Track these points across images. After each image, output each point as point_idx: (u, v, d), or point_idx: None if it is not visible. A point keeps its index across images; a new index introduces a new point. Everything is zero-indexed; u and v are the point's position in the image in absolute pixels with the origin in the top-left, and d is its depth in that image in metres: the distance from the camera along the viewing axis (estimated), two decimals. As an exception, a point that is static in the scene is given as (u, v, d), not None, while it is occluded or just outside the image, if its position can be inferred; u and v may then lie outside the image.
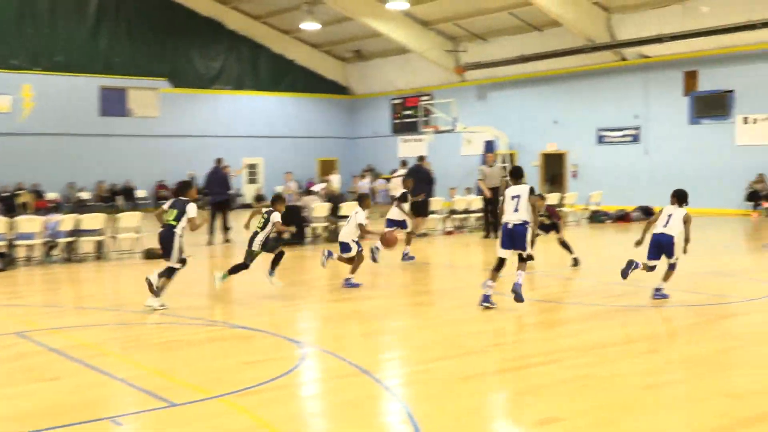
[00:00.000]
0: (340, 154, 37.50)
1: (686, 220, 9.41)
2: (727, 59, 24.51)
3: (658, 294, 9.55)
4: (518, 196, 9.29)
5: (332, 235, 17.88)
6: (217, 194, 17.78)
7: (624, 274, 9.56)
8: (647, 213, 23.18)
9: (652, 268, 9.53)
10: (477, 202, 20.30)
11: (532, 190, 9.33)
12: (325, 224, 18.12)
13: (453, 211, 20.18)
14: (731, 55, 24.38)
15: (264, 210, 10.19)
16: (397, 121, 35.50)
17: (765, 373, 6.23)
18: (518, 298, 9.06)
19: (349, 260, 10.86)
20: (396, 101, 35.39)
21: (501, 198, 9.44)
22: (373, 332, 8.21)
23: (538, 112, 29.42)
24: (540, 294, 10.25)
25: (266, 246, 10.08)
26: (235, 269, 10.06)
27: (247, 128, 34.75)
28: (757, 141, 23.95)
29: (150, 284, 9.11)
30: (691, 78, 25.37)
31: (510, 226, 9.21)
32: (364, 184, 26.58)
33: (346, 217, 17.83)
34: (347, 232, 10.96)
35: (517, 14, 27.73)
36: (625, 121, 26.89)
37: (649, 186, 25.89)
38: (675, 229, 9.40)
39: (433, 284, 11.43)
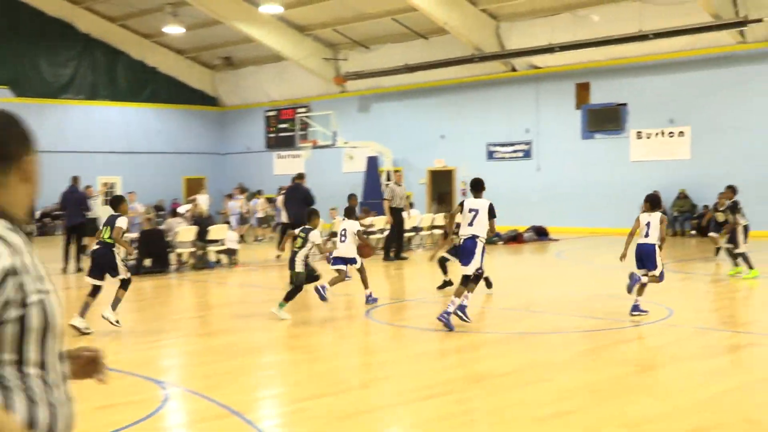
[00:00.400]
0: (209, 171, 36.93)
1: (661, 221, 10.26)
2: (619, 71, 25.66)
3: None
4: (476, 211, 9.93)
5: (199, 262, 17.54)
6: (72, 217, 17.44)
7: (629, 289, 10.23)
8: (540, 233, 23.75)
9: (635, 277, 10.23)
10: (379, 222, 20.45)
11: (491, 207, 9.94)
12: (192, 249, 17.72)
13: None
14: (623, 67, 25.57)
15: (299, 230, 10.73)
16: (272, 135, 35.37)
17: (661, 401, 6.38)
18: (447, 324, 9.51)
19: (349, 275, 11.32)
20: (270, 113, 35.30)
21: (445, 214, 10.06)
22: (246, 368, 8.14)
23: (425, 126, 29.95)
24: (429, 321, 10.37)
25: (308, 266, 10.60)
26: (290, 296, 10.57)
27: (101, 143, 33.66)
28: (651, 156, 25.08)
29: (110, 322, 9.96)
30: (583, 90, 26.37)
31: (461, 241, 9.81)
32: (234, 205, 26.22)
33: (215, 241, 17.56)
34: (348, 248, 11.31)
35: (401, 20, 28.11)
36: (516, 135, 27.67)
37: (541, 204, 26.66)
38: (654, 237, 10.22)
39: (313, 315, 11.39)
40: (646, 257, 10.26)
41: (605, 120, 25.74)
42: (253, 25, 29.79)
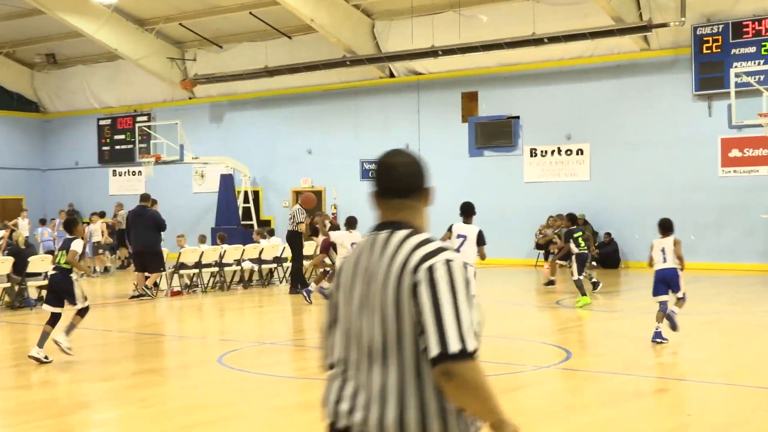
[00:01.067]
0: (29, 190, 35.50)
1: (675, 243, 11.62)
2: (511, 79, 26.22)
3: (659, 337, 11.39)
4: (464, 237, 11.09)
5: (16, 299, 16.81)
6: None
7: (673, 327, 11.53)
8: None
9: (664, 304, 11.57)
10: (270, 250, 20.80)
11: (480, 234, 11.09)
12: (6, 285, 16.94)
13: (182, 265, 19.74)
14: (516, 75, 26.16)
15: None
16: (107, 148, 34.50)
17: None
18: None
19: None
20: (104, 122, 34.47)
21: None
22: (71, 428, 7.87)
23: (288, 139, 29.90)
24: (293, 368, 10.17)
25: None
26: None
27: None
28: (547, 177, 25.72)
29: (61, 350, 10.72)
30: (470, 101, 26.84)
31: None
32: (46, 231, 25.32)
33: (36, 274, 16.89)
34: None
35: (260, 15, 27.95)
36: None
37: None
38: (673, 261, 11.51)
39: (159, 361, 11.25)
40: (671, 281, 11.56)
41: (495, 135, 26.20)
42: (82, 17, 28.99)
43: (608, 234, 24.37)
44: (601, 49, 24.80)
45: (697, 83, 23.57)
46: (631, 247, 24.29)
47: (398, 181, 2.79)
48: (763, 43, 22.79)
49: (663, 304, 11.60)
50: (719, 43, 23.29)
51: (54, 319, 10.78)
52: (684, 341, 11.81)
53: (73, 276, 10.93)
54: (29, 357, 10.64)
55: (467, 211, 11.40)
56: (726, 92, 21.95)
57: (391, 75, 28.17)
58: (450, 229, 11.33)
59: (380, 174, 2.82)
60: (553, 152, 25.76)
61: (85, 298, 10.97)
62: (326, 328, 2.83)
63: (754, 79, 21.65)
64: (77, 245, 10.87)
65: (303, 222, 18.60)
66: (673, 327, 11.55)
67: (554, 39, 23.97)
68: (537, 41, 24.12)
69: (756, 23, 22.91)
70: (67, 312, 10.95)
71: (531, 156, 26.04)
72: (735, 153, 23.34)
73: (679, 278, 11.60)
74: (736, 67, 22.39)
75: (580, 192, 25.15)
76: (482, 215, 27.79)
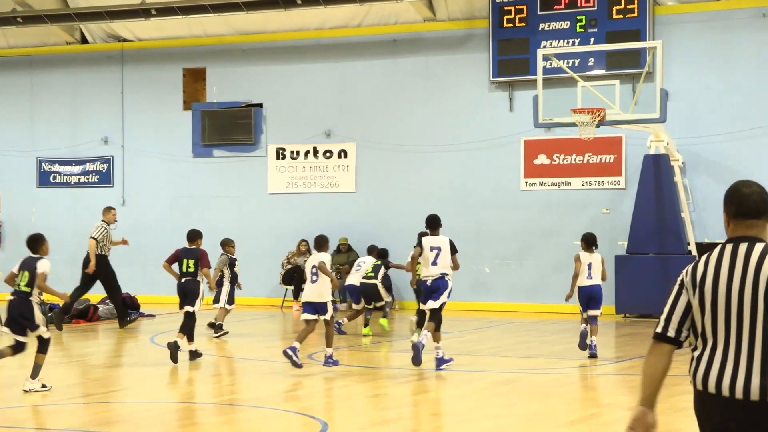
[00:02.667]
0: None
1: (602, 262, 15.07)
2: (252, 53, 25.75)
3: (594, 350, 14.93)
4: (438, 248, 14.00)
5: None
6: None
7: (584, 347, 14.99)
8: (126, 305, 21.94)
9: (594, 319, 15.01)
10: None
11: (452, 243, 14.14)
12: None
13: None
14: (258, 47, 25.66)
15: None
16: None
17: None
18: (416, 359, 13.64)
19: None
20: None
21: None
22: None
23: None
24: None
25: None
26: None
27: None
28: (300, 187, 25.43)
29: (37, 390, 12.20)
30: (196, 81, 26.40)
31: (429, 282, 13.95)
32: None
33: None
34: (321, 290, 14.10)
35: None
36: (88, 148, 27.33)
37: (131, 258, 25.49)
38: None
39: None
40: (595, 298, 14.79)
41: (230, 128, 25.90)
42: None
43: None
44: (373, 17, 24.81)
45: (495, 67, 23.47)
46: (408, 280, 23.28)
47: (753, 206, 4.57)
48: (578, 17, 22.83)
49: (593, 319, 14.91)
50: (524, 15, 23.24)
51: (18, 347, 12.10)
52: (474, 408, 11.92)
53: (33, 300, 12.11)
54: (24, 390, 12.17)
55: (434, 224, 14.33)
56: (532, 80, 21.59)
57: (84, 41, 27.48)
58: (420, 244, 14.26)
59: (739, 200, 4.64)
60: (307, 154, 25.44)
61: (48, 326, 12.41)
62: (680, 311, 4.48)
63: (567, 63, 21.60)
64: (44, 266, 12.09)
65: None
66: (583, 347, 15.08)
67: (310, 0, 23.50)
68: (287, 2, 23.71)
69: (570, -10, 23.19)
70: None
71: (278, 158, 25.75)
72: (542, 159, 23.38)
73: (601, 295, 14.95)
74: (544, 47, 22.24)
75: (342, 208, 25.01)
76: (208, 239, 25.90)
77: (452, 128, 23.90)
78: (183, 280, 15.04)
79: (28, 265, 11.99)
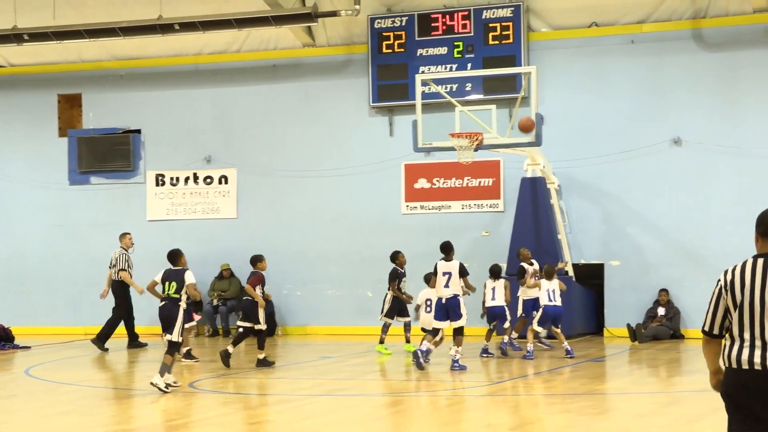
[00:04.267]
0: None
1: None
2: (129, 79, 25.40)
3: (456, 365, 16.08)
4: (449, 273, 16.08)
5: None
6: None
7: (419, 365, 16.08)
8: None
9: (436, 331, 16.68)
10: None
11: (461, 267, 16.20)
12: None
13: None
14: (135, 72, 25.36)
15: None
16: None
17: None
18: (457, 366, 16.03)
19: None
20: None
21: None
22: None
23: None
24: None
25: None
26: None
27: None
28: (180, 214, 25.25)
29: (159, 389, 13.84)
30: (71, 107, 26.01)
31: (444, 301, 16.13)
32: None
33: None
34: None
35: None
36: None
37: (2, 289, 25.20)
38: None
39: None
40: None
41: (108, 155, 25.59)
42: None
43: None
44: (252, 42, 24.83)
45: (375, 92, 23.66)
46: (293, 307, 24.08)
47: None
48: (455, 43, 23.10)
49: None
50: (402, 41, 23.44)
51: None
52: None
53: (181, 304, 14.18)
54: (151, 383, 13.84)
55: (447, 250, 16.38)
56: (411, 104, 21.80)
57: (-45, 66, 26.31)
58: (435, 268, 16.42)
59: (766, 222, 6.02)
60: (187, 180, 25.24)
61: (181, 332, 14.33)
62: (721, 311, 5.68)
63: (445, 88, 21.69)
64: (189, 276, 14.27)
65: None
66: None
67: (188, 25, 23.12)
68: (165, 27, 23.18)
69: (447, 17, 23.14)
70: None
71: (157, 185, 25.47)
72: (422, 183, 23.59)
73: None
74: (423, 72, 22.40)
75: (224, 234, 24.90)
76: (87, 268, 25.23)
77: (334, 153, 23.99)
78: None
79: (175, 277, 14.17)
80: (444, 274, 16.02)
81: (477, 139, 19.38)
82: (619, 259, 22.12)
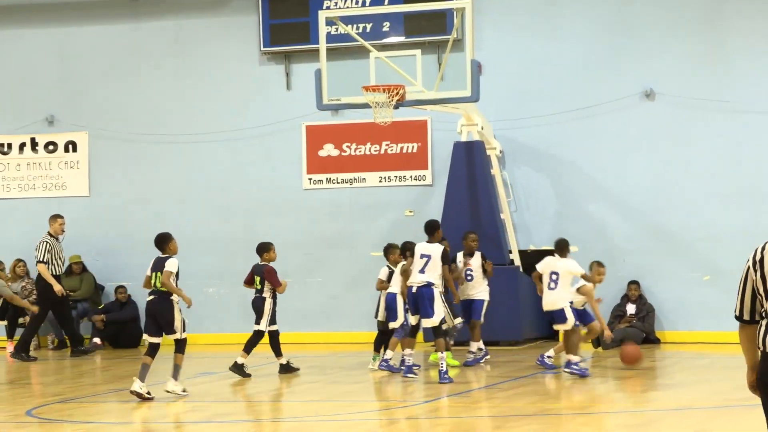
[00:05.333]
0: None
1: (444, 259, 16.94)
2: None
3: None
4: (428, 256, 16.55)
5: None
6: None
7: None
8: None
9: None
10: None
11: (445, 252, 16.78)
12: None
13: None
14: None
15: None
16: None
17: None
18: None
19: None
20: None
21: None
22: None
23: None
24: None
25: None
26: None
27: None
28: (10, 193, 25.21)
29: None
30: None
31: (414, 289, 16.53)
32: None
33: None
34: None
35: None
36: None
37: None
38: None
39: None
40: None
41: None
42: None
43: (122, 288, 23.66)
44: None
45: (267, 34, 23.64)
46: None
47: None
48: None
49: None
50: None
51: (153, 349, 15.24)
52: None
53: (174, 298, 15.15)
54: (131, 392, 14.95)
55: (430, 229, 16.94)
56: (313, 49, 21.61)
57: None
58: (412, 251, 16.85)
59: None
60: (23, 147, 25.26)
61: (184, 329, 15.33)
62: (749, 293, 6.08)
63: (356, 29, 21.76)
64: (171, 264, 15.07)
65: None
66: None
67: None
68: None
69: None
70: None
71: None
72: (329, 150, 23.69)
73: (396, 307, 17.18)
74: (327, 8, 22.50)
75: (73, 217, 24.11)
76: None
77: (213, 112, 23.96)
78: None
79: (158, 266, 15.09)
80: (422, 256, 16.56)
81: (398, 93, 19.34)
82: (577, 244, 22.06)
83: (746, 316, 6.14)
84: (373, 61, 20.05)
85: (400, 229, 21.93)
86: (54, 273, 21.61)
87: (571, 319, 16.55)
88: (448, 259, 16.86)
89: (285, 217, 23.08)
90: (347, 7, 22.49)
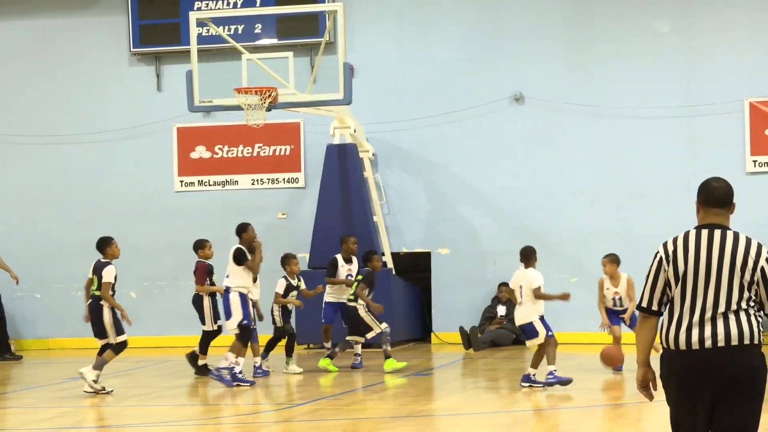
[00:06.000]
0: None
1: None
2: None
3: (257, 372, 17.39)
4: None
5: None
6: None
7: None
8: None
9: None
10: None
11: (237, 252, 16.95)
12: None
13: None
14: None
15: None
16: None
17: None
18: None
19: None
20: None
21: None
22: None
23: None
24: None
25: None
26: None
27: None
28: None
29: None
30: None
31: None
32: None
33: None
34: None
35: None
36: None
37: None
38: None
39: None
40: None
41: None
42: None
43: None
44: None
45: (136, 34, 23.50)
46: (30, 315, 23.73)
47: (720, 198, 6.63)
48: None
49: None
50: None
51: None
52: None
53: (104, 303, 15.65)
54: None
55: (239, 231, 17.42)
56: (185, 51, 21.55)
57: None
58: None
59: (708, 191, 6.62)
60: None
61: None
62: (661, 285, 6.51)
63: (228, 30, 21.78)
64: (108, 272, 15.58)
65: None
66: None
67: None
68: None
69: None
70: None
71: None
72: (200, 152, 23.64)
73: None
74: (198, 9, 22.49)
75: None
76: None
77: (82, 113, 23.68)
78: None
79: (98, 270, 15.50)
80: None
81: (270, 95, 19.32)
82: (448, 246, 22.34)
83: (655, 307, 6.51)
84: (245, 63, 20.00)
85: (273, 230, 21.94)
86: None
87: (542, 332, 15.84)
88: (239, 260, 16.77)
89: (155, 221, 22.84)
90: (218, 9, 22.37)
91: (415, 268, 22.52)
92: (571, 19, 21.83)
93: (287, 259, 18.20)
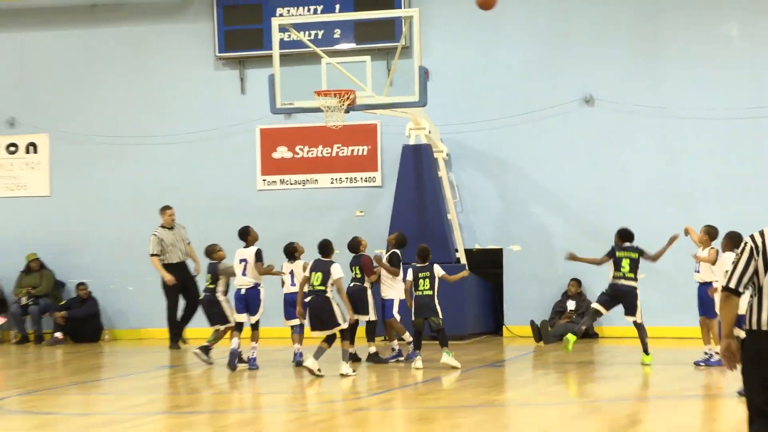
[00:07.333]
0: None
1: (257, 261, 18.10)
2: None
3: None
4: (245, 260, 17.83)
5: None
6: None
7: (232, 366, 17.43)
8: None
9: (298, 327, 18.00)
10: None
11: (258, 253, 17.89)
12: None
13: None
14: None
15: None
16: None
17: None
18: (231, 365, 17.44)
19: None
20: None
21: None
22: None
23: None
24: None
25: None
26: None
27: None
28: None
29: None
30: None
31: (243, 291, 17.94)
32: None
33: None
34: None
35: None
36: None
37: None
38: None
39: None
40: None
41: None
42: None
43: (83, 285, 23.77)
44: None
45: (221, 40, 23.53)
46: (122, 307, 24.08)
47: None
48: None
49: (296, 328, 17.91)
50: None
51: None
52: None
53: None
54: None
55: (243, 236, 18.17)
56: (267, 55, 21.63)
57: None
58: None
59: None
60: None
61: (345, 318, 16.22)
62: (750, 272, 7.01)
63: (308, 35, 21.79)
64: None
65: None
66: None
67: None
68: None
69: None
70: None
71: None
72: (282, 152, 23.58)
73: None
74: (280, 15, 22.53)
75: (33, 216, 24.58)
76: None
77: (169, 115, 23.81)
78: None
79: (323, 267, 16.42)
80: (241, 261, 17.91)
81: (348, 97, 19.41)
82: (520, 243, 22.42)
83: (741, 289, 7.01)
84: (325, 66, 19.97)
85: (351, 227, 21.87)
86: (172, 261, 21.63)
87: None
88: (260, 257, 17.63)
89: (239, 218, 22.40)
90: (299, 15, 22.46)
91: (487, 264, 22.52)
92: (639, 23, 21.80)
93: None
